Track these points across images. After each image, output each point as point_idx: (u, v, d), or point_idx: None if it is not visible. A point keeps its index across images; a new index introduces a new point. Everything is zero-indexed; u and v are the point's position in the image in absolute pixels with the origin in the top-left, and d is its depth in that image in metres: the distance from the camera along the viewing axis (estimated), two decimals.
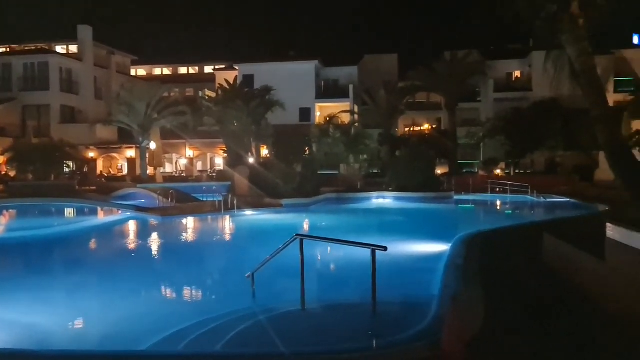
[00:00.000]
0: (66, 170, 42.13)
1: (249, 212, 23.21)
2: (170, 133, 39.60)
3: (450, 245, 12.93)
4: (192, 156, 48.80)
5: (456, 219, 23.75)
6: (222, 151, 31.80)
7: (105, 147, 45.39)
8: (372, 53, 53.11)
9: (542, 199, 28.62)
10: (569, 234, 10.58)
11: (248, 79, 47.25)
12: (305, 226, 20.74)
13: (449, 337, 5.71)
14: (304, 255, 7.44)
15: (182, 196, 27.95)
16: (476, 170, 44.67)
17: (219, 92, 31.13)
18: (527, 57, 45.94)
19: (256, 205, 24.49)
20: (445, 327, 5.97)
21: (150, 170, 39.32)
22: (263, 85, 35.08)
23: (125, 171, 46.34)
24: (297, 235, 7.54)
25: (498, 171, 42.29)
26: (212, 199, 24.84)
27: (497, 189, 33.14)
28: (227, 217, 21.76)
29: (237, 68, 50.48)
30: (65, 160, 39.21)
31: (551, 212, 24.11)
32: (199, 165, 53.03)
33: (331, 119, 35.70)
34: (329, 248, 13.20)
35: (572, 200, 25.97)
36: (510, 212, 26.37)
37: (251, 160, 27.29)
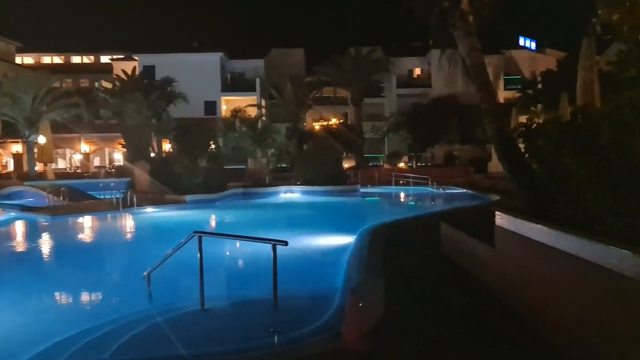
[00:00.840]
0: None
1: (150, 209, 22.16)
2: (63, 127, 36.83)
3: (355, 237, 13.17)
4: (88, 151, 45.82)
5: (361, 211, 24.29)
6: (121, 145, 30.09)
7: None
8: (279, 47, 52.86)
9: (441, 190, 30.11)
10: (464, 222, 11.07)
11: (149, 70, 45.05)
12: (211, 222, 20.20)
13: (349, 329, 5.70)
14: (202, 253, 7.12)
15: (76, 194, 26.13)
16: (381, 164, 46.13)
17: (116, 83, 29.34)
18: (426, 55, 48.10)
19: (158, 201, 23.45)
20: (344, 319, 5.96)
21: (40, 167, 36.38)
22: (164, 77, 33.63)
23: (11, 168, 42.54)
24: (195, 232, 7.20)
25: (401, 164, 43.98)
26: (110, 196, 23.39)
27: (401, 181, 34.46)
28: (126, 215, 20.62)
29: (136, 58, 48.00)
30: None
31: (449, 202, 25.39)
32: (97, 161, 49.98)
33: (237, 113, 35.03)
34: (237, 244, 12.85)
35: (468, 191, 27.56)
36: (413, 203, 27.47)
37: (152, 154, 26.04)
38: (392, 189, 32.44)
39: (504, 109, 24.12)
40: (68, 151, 49.57)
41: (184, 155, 25.88)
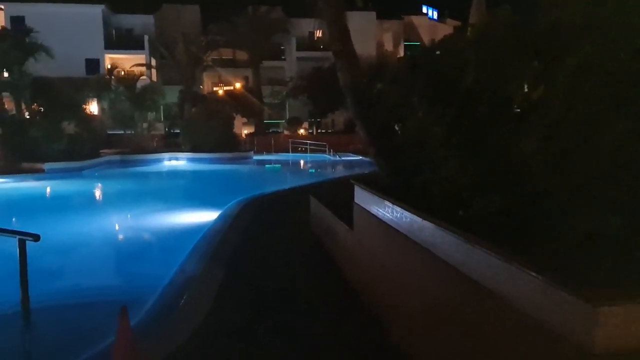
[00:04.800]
0: None
1: None
2: None
3: (219, 213, 11.36)
4: None
5: (244, 180, 22.29)
6: None
7: None
8: (171, 2, 48.52)
9: (337, 157, 28.98)
10: (340, 195, 9.66)
11: (18, 22, 39.40)
12: (60, 195, 17.36)
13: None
14: None
15: None
16: (282, 130, 44.38)
17: None
18: None
19: (10, 170, 20.04)
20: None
21: None
22: (20, 25, 28.99)
23: None
24: None
25: (302, 131, 42.50)
26: None
27: (299, 149, 32.98)
28: None
29: (2, 7, 41.82)
30: None
31: (341, 170, 24.23)
32: None
33: (112, 71, 31.31)
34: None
35: (365, 159, 26.58)
36: (303, 171, 26.00)
37: (3, 116, 22.27)
38: (287, 156, 30.89)
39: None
40: None
41: (47, 118, 22.36)
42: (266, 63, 43.92)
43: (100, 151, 25.53)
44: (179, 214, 12.57)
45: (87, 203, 15.16)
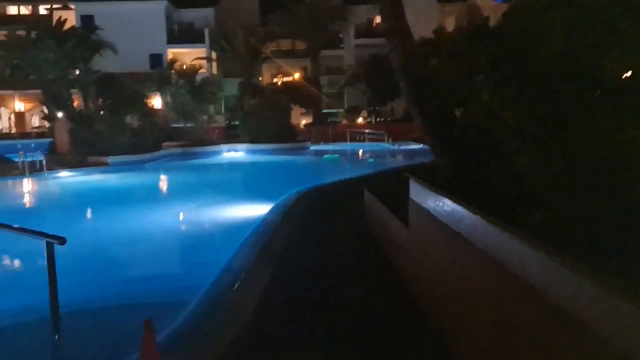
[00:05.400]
0: None
1: (63, 173, 19.49)
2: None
3: (272, 205, 11.04)
4: (22, 110, 42.05)
5: (300, 171, 21.93)
6: (40, 102, 26.89)
7: None
8: None
9: (396, 146, 28.14)
10: (396, 187, 9.05)
11: (87, 21, 41.10)
12: (122, 188, 17.72)
13: None
14: None
15: None
16: (340, 120, 43.85)
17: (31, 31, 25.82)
18: None
19: (77, 164, 20.78)
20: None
21: None
22: (86, 24, 30.03)
23: None
24: None
25: (360, 119, 41.79)
26: (31, 160, 20.60)
27: (357, 138, 32.36)
28: (29, 180, 17.92)
29: (72, 7, 43.74)
30: None
31: (402, 158, 23.44)
32: (36, 120, 46.17)
33: (173, 64, 31.82)
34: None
35: (425, 147, 25.64)
36: (365, 160, 25.37)
37: (71, 112, 23.09)
38: (345, 145, 30.34)
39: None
40: (5, 110, 45.63)
41: (110, 113, 23.00)
42: (324, 52, 43.45)
43: (163, 144, 26.04)
44: (234, 206, 12.42)
45: (146, 196, 15.34)
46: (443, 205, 3.99)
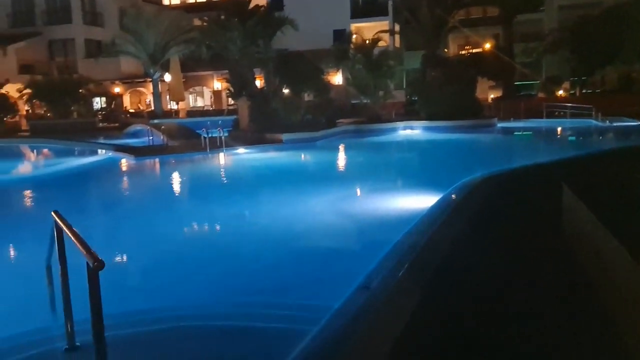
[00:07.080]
0: (96, 107, 40.84)
1: (240, 150, 19.99)
2: (197, 64, 36.46)
3: (439, 198, 9.13)
4: (220, 88, 45.73)
5: (481, 153, 19.00)
6: (225, 80, 28.26)
7: (130, 81, 43.16)
8: None
9: (607, 123, 23.39)
10: (613, 182, 6.55)
11: (277, 0, 42.76)
12: (302, 165, 17.30)
13: None
14: (65, 258, 4.01)
15: (187, 133, 25.46)
16: (535, 93, 38.75)
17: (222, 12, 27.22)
18: None
19: (254, 141, 21.19)
20: None
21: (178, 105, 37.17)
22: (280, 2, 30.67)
23: (153, 106, 44.37)
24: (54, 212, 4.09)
25: (561, 92, 36.30)
26: (214, 136, 21.74)
27: (556, 113, 27.91)
28: (208, 157, 18.61)
29: None
30: (92, 96, 37.35)
31: (614, 139, 19.15)
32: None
33: (350, 38, 30.89)
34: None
35: None
36: (565, 140, 21.49)
37: (252, 90, 23.68)
38: (540, 122, 26.30)
39: None
40: (206, 89, 50.42)
41: (287, 90, 23.04)
42: (520, 17, 38.60)
43: (337, 121, 25.44)
44: (396, 195, 10.80)
45: (309, 176, 14.59)
46: None
